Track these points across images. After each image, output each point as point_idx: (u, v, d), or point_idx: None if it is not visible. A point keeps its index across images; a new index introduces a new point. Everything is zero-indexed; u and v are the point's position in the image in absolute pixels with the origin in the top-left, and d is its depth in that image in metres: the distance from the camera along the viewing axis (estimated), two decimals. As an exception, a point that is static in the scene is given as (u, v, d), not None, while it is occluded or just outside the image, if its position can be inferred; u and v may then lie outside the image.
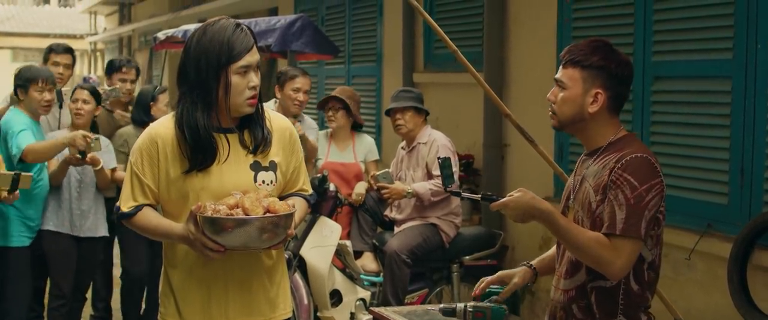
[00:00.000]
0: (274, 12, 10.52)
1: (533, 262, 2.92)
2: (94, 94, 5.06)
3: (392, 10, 7.77)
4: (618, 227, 2.48)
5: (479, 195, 2.74)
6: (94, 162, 4.84)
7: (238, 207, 2.53)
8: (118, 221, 2.80)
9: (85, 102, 4.98)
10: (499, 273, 2.95)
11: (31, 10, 33.73)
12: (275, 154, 2.77)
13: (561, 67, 2.68)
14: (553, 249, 2.87)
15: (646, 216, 2.48)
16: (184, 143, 2.65)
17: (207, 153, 2.65)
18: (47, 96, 4.87)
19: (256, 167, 2.72)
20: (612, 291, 2.57)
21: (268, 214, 2.53)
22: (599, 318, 2.59)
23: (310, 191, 2.93)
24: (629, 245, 2.48)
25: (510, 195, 2.57)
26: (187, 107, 2.65)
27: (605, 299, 2.58)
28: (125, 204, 2.72)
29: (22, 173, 4.27)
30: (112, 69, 6.02)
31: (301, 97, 5.35)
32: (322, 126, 5.80)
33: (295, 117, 5.41)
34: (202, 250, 2.56)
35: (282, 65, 8.16)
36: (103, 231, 5.15)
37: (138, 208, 2.71)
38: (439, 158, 3.03)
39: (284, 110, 5.36)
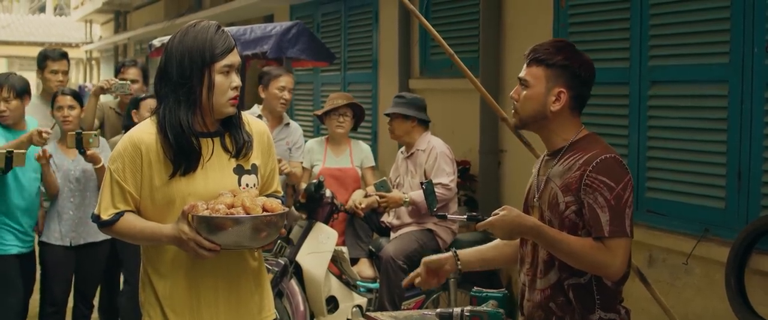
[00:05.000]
0: (269, 19, 10.49)
1: (459, 252, 2.94)
2: (76, 97, 5.05)
3: (388, 17, 7.76)
4: (606, 229, 2.51)
5: (465, 216, 2.81)
6: (95, 160, 4.80)
7: (234, 206, 2.53)
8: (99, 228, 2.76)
9: (70, 108, 4.97)
10: (425, 260, 2.96)
11: (27, 18, 33.75)
12: (256, 157, 2.79)
13: (525, 65, 2.74)
14: (482, 246, 2.95)
15: (628, 214, 2.54)
16: (168, 147, 2.63)
17: (191, 155, 2.64)
18: (2, 106, 4.71)
19: (240, 171, 2.73)
20: (587, 287, 2.61)
21: (265, 213, 2.54)
22: (579, 312, 2.62)
23: (282, 193, 2.95)
24: (621, 244, 2.52)
25: (495, 214, 2.61)
26: (169, 107, 2.63)
27: (582, 294, 2.61)
28: (105, 212, 2.67)
29: (15, 151, 4.35)
30: (116, 71, 6.03)
31: (286, 95, 5.39)
32: (317, 132, 5.79)
33: (280, 118, 5.43)
34: (196, 250, 2.54)
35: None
36: (103, 235, 5.10)
37: (119, 215, 2.67)
38: (421, 183, 3.07)
39: (270, 109, 5.40)
